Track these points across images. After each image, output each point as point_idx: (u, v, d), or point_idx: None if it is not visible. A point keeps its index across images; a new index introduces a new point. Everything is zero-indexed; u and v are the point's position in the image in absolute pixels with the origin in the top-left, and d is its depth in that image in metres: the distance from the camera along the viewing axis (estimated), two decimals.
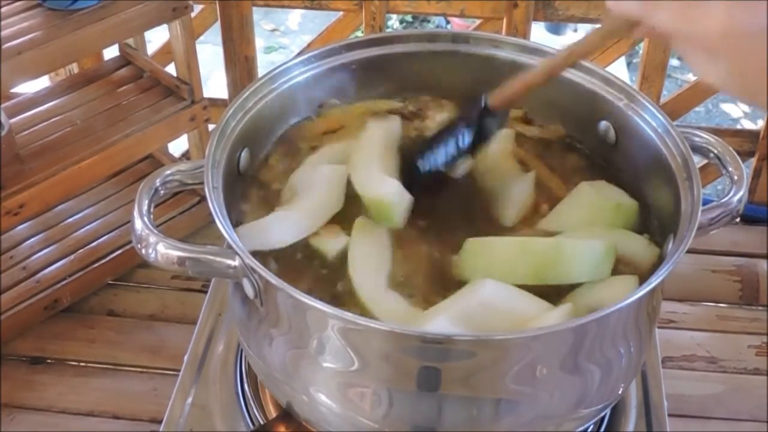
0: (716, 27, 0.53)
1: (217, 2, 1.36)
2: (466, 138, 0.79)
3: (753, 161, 1.41)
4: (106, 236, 1.27)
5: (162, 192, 0.76)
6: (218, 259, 0.70)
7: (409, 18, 2.90)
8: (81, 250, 1.25)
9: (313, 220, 0.78)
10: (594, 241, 0.73)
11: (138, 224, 0.72)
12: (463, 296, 0.72)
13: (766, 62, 0.53)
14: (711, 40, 0.55)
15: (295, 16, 3.08)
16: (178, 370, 0.92)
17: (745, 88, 0.57)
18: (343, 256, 0.76)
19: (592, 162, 0.88)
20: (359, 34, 1.42)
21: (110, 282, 1.26)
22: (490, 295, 0.71)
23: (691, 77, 2.70)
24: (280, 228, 0.77)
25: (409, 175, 0.80)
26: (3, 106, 1.15)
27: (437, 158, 0.79)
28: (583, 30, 2.72)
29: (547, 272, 0.73)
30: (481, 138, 0.80)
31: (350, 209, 0.79)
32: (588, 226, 0.79)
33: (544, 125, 0.90)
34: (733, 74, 0.56)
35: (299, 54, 0.91)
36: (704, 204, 0.74)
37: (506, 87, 0.77)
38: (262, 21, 2.98)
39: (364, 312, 0.72)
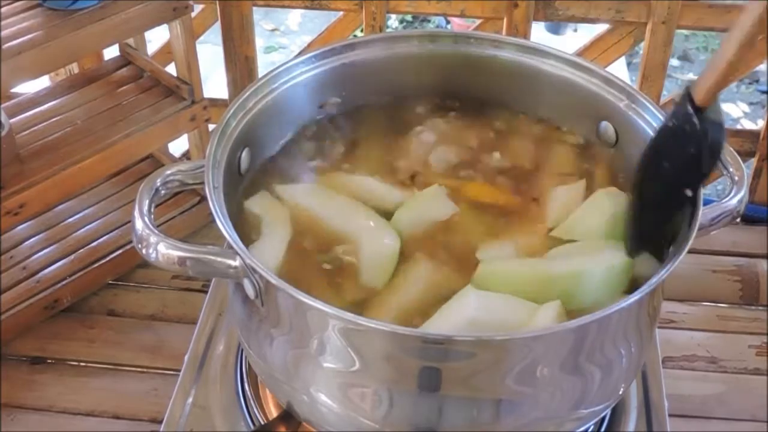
0: None
1: (217, 2, 1.36)
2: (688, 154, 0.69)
3: (753, 161, 1.41)
4: (107, 236, 1.27)
5: (162, 192, 0.76)
6: (219, 259, 0.70)
7: (409, 18, 2.89)
8: (81, 250, 1.24)
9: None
10: (611, 264, 0.72)
11: (139, 224, 0.72)
12: (449, 313, 0.71)
13: None
14: None
15: (295, 16, 3.07)
16: (179, 370, 0.92)
17: None
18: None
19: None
20: (359, 34, 1.42)
21: (110, 282, 1.26)
22: (477, 308, 0.70)
23: (692, 77, 2.70)
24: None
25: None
26: (3, 106, 1.14)
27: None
28: (583, 30, 2.71)
29: (565, 301, 0.71)
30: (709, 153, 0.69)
31: None
32: (601, 236, 0.78)
33: (569, 130, 0.90)
34: None
35: (299, 54, 0.91)
36: (705, 204, 0.74)
37: (706, 78, 0.66)
38: (262, 21, 2.98)
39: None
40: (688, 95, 0.67)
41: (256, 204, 0.81)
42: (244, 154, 0.82)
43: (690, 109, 0.67)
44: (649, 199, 0.74)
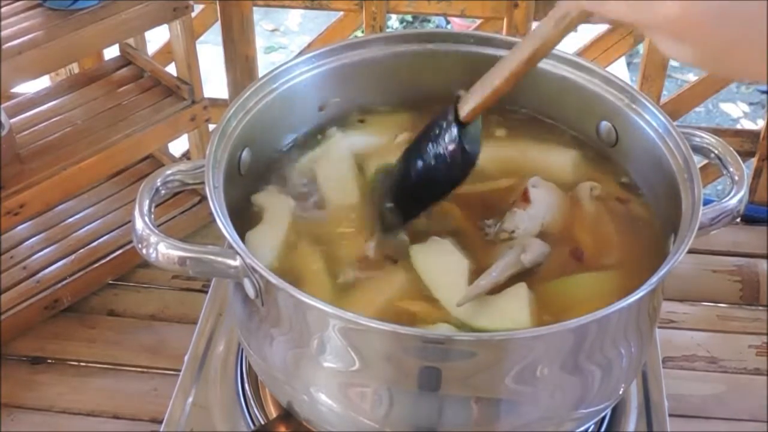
0: (670, 15, 0.51)
1: (217, 2, 1.36)
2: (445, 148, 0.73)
3: (753, 161, 1.41)
4: (107, 236, 1.27)
5: (163, 192, 0.76)
6: (219, 259, 0.70)
7: (409, 18, 2.89)
8: (81, 250, 1.25)
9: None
10: None
11: (139, 224, 0.72)
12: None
13: (730, 42, 0.51)
14: (669, 27, 0.53)
15: (295, 16, 3.07)
16: (179, 370, 0.92)
17: (717, 66, 0.55)
18: None
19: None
20: (359, 34, 1.42)
21: (111, 282, 1.26)
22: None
23: (692, 77, 2.70)
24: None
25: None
26: (3, 106, 1.14)
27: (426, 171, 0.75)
28: (583, 30, 2.71)
29: None
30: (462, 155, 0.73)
31: None
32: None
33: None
34: (702, 55, 0.54)
35: (299, 54, 0.91)
36: (705, 204, 0.74)
37: (473, 97, 0.72)
38: (262, 21, 2.98)
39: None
40: (454, 109, 0.72)
41: (262, 197, 0.83)
42: (245, 154, 0.81)
43: (453, 121, 0.72)
44: (405, 185, 0.78)
